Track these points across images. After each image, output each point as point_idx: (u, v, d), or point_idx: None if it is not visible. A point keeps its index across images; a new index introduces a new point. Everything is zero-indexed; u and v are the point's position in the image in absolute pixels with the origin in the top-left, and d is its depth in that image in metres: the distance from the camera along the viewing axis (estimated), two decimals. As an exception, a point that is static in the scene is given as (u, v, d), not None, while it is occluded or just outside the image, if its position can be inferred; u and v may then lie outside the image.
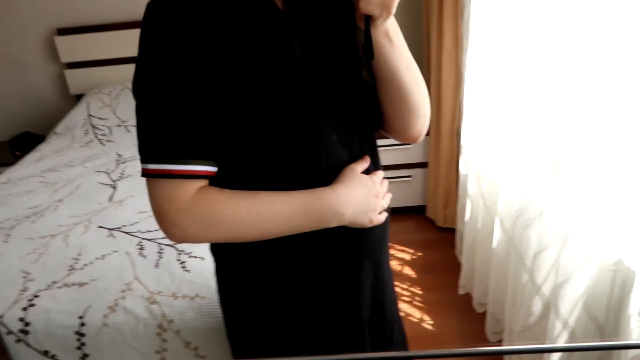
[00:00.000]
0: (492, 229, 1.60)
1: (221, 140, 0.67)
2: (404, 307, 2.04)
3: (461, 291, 1.99)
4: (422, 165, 2.51)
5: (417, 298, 2.09)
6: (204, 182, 0.68)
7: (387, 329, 0.91)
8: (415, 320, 1.97)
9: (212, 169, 0.68)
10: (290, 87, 0.67)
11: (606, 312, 1.08)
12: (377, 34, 0.68)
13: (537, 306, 1.27)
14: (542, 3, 1.18)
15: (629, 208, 0.97)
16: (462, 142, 1.95)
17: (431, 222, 2.59)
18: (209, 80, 0.64)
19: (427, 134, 2.44)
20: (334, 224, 0.73)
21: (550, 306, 1.20)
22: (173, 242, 1.39)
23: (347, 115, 0.74)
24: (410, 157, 2.48)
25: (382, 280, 0.86)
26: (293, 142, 0.69)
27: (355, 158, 0.76)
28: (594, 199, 1.01)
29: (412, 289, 2.15)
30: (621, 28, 0.90)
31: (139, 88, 0.66)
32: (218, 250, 0.82)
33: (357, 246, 0.79)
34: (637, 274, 0.94)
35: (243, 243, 0.73)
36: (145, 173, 0.67)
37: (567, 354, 1.15)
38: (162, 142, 0.65)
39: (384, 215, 0.79)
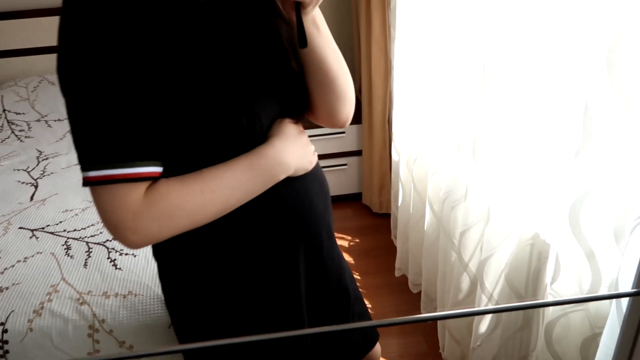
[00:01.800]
0: (423, 212, 1.67)
1: (160, 137, 0.65)
2: (343, 292, 2.08)
3: (397, 274, 2.06)
4: (357, 153, 2.56)
5: (356, 283, 2.14)
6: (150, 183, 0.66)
7: (352, 301, 0.97)
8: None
9: (159, 169, 0.66)
10: (220, 76, 0.67)
11: (526, 283, 1.17)
12: (306, 21, 0.70)
13: (465, 282, 1.35)
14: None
15: (542, 186, 1.05)
16: (393, 130, 2.01)
17: (367, 208, 2.65)
18: (140, 74, 0.61)
19: (360, 123, 2.51)
20: (283, 176, 0.74)
21: (476, 281, 1.27)
22: (104, 240, 1.34)
23: (278, 103, 0.75)
24: (344, 145, 2.53)
25: (333, 256, 0.90)
26: (227, 130, 0.69)
27: None
28: (511, 178, 1.08)
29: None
30: (531, 23, 0.96)
31: (66, 86, 0.62)
32: (160, 251, 0.81)
33: (297, 224, 0.80)
34: (551, 246, 1.02)
35: (183, 239, 0.71)
36: (87, 181, 0.62)
37: (494, 326, 1.23)
38: (101, 145, 0.61)
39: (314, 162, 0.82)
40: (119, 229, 0.64)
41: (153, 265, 1.22)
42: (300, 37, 0.70)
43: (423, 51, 1.60)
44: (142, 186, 0.64)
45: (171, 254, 0.80)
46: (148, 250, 1.27)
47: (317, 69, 0.75)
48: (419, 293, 1.85)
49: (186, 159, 0.69)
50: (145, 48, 0.61)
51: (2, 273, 1.22)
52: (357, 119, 2.46)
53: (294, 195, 0.78)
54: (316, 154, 0.84)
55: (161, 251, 0.81)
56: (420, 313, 1.84)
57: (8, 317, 1.09)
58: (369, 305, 2.00)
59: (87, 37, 0.59)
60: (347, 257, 2.29)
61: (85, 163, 0.62)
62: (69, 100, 0.62)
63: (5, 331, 1.07)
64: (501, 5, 1.02)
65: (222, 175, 0.69)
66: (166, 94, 0.64)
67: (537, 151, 1.03)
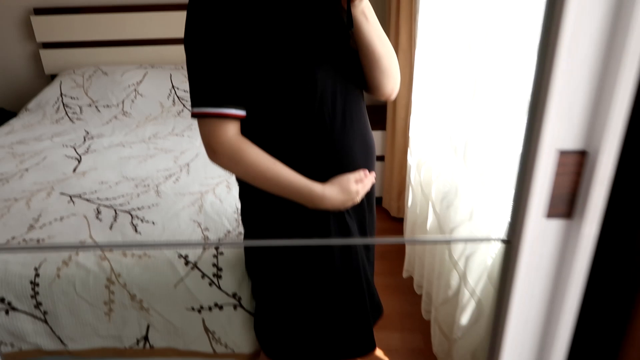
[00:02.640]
0: (427, 214, 1.75)
1: (247, 89, 0.91)
2: (351, 288, 2.18)
3: (405, 275, 2.14)
4: (380, 158, 2.65)
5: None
6: (236, 122, 0.93)
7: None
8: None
9: (242, 112, 0.93)
10: (295, 48, 0.91)
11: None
12: (356, 12, 0.91)
13: (454, 279, 1.42)
14: (462, 15, 1.33)
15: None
16: (409, 136, 2.10)
17: (386, 212, 2.74)
18: (242, 44, 0.87)
19: (384, 129, 2.60)
20: (317, 207, 0.99)
21: (462, 278, 1.34)
22: (129, 209, 1.50)
23: (340, 73, 0.97)
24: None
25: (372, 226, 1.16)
26: (295, 91, 0.93)
27: (350, 104, 0.99)
28: (494, 181, 1.16)
29: (361, 272, 2.29)
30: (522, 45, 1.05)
31: (189, 47, 0.89)
32: (243, 196, 1.08)
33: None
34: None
35: (259, 192, 0.98)
36: (193, 115, 0.92)
37: (475, 319, 1.30)
38: (205, 92, 0.90)
39: (360, 197, 1.03)
40: (207, 148, 0.94)
41: (169, 233, 1.38)
42: (348, 21, 0.91)
43: (435, 62, 1.70)
44: (229, 124, 0.92)
45: (249, 201, 1.07)
46: (166, 220, 1.42)
47: (365, 50, 0.96)
48: (422, 294, 1.92)
49: (263, 111, 0.94)
50: (246, 26, 0.86)
51: (41, 228, 1.40)
52: (381, 125, 2.57)
53: (339, 155, 1.00)
54: (372, 178, 1.05)
55: (243, 196, 1.08)
56: (421, 312, 1.91)
57: (41, 263, 1.27)
58: (374, 302, 2.09)
59: (208, 14, 0.86)
60: (360, 257, 2.39)
61: (194, 102, 0.91)
62: (189, 57, 0.89)
63: (37, 275, 1.25)
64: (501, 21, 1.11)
65: (282, 174, 0.95)
66: (255, 60, 0.89)
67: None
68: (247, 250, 1.18)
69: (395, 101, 2.35)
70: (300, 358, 1.14)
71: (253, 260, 1.15)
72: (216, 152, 0.93)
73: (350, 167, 1.01)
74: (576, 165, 0.48)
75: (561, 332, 0.56)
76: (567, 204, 0.51)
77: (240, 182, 1.07)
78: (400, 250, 2.38)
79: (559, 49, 0.46)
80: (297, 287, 1.06)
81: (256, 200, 1.04)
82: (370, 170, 1.06)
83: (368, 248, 1.18)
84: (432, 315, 1.71)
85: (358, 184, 1.01)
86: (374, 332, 1.20)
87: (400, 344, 1.86)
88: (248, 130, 0.96)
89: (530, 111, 0.49)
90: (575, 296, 0.55)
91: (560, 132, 0.48)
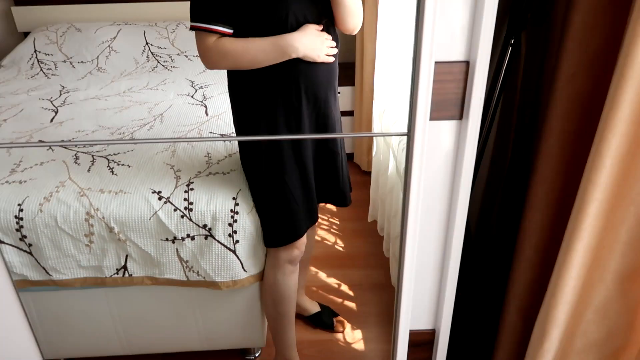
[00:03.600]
0: (389, 160, 1.88)
1: (234, 17, 1.17)
2: (321, 233, 2.33)
3: (369, 219, 2.29)
4: (349, 113, 2.76)
5: (334, 227, 2.38)
6: (223, 37, 1.18)
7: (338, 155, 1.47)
8: (330, 243, 2.26)
9: (228, 30, 1.18)
10: None
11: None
12: None
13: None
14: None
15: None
16: (374, 89, 2.21)
17: (358, 167, 2.87)
18: None
19: (353, 85, 2.70)
20: (293, 55, 1.19)
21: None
22: (106, 154, 1.60)
23: (310, 8, 1.19)
24: (340, 105, 2.73)
25: (331, 117, 1.37)
26: (271, 21, 1.17)
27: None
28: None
29: (331, 219, 2.44)
30: None
31: None
32: (231, 89, 1.34)
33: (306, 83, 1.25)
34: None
35: (238, 84, 1.28)
36: (191, 27, 1.18)
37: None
38: (200, 10, 1.15)
39: (331, 58, 1.25)
40: (200, 54, 1.20)
41: (143, 174, 1.48)
42: None
43: (395, 15, 1.80)
44: (216, 35, 1.18)
45: (235, 93, 1.32)
46: (141, 163, 1.53)
47: None
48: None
49: (244, 33, 1.18)
50: None
51: (23, 172, 1.49)
52: (350, 80, 2.67)
53: (300, 69, 1.23)
54: (335, 50, 1.26)
55: (231, 89, 1.33)
56: (383, 253, 2.07)
57: (24, 200, 1.37)
58: (342, 245, 2.25)
59: None
60: (330, 206, 2.53)
61: (193, 18, 1.17)
62: None
63: (21, 210, 1.35)
64: None
65: (256, 43, 1.18)
66: None
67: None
68: (240, 145, 1.44)
69: (362, 57, 2.45)
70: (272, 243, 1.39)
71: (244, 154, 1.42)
72: (207, 55, 1.19)
73: (306, 82, 1.25)
74: (462, 74, 0.60)
75: (458, 210, 0.69)
76: (457, 107, 0.63)
77: (229, 78, 1.31)
78: (367, 198, 2.52)
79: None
80: (265, 175, 1.34)
81: (239, 94, 1.31)
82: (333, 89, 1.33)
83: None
84: (390, 251, 1.87)
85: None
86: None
87: (365, 279, 2.02)
88: None
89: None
90: (467, 179, 0.68)
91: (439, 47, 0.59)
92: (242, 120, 1.35)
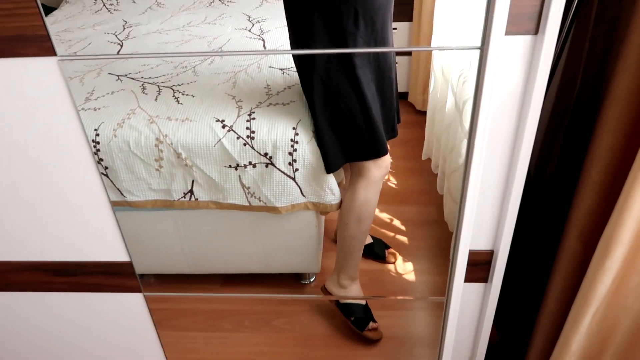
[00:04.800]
0: (447, 96, 1.85)
1: None
2: (374, 171, 2.36)
3: (423, 157, 2.28)
4: (406, 53, 2.70)
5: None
6: None
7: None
8: (383, 180, 2.29)
9: None
10: None
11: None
12: None
13: (464, 147, 1.55)
14: None
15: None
16: (434, 26, 2.14)
17: (412, 106, 2.83)
18: None
19: (411, 20, 2.62)
20: None
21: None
22: (171, 85, 1.66)
23: None
24: (395, 43, 2.67)
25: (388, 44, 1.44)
26: None
27: None
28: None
29: (384, 158, 2.46)
30: None
31: None
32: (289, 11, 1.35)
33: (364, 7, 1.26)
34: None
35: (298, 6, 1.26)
36: None
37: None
38: None
39: None
40: None
41: (206, 104, 1.54)
42: None
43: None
44: None
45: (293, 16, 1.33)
46: (204, 94, 1.58)
47: None
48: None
49: None
50: None
51: (96, 100, 1.58)
52: (408, 16, 2.58)
53: None
54: None
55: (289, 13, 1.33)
56: (436, 190, 2.08)
57: (100, 125, 1.46)
58: (395, 182, 2.27)
59: None
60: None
61: None
62: None
63: (97, 134, 1.45)
64: None
65: None
66: None
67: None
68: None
69: (422, -10, 2.36)
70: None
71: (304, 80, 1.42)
72: None
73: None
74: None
75: (527, 128, 0.70)
76: (534, 21, 0.62)
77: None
78: (421, 137, 2.51)
79: None
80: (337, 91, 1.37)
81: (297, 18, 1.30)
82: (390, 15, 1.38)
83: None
84: (445, 187, 1.87)
85: None
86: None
87: (417, 216, 2.06)
88: None
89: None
90: (539, 98, 0.67)
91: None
92: (301, 41, 1.35)
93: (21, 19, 1.10)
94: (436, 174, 2.17)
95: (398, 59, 2.75)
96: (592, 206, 1.10)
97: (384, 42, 1.34)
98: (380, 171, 1.51)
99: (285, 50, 1.68)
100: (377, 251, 1.87)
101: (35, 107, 1.25)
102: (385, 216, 2.09)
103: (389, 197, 2.27)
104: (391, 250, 1.88)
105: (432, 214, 2.04)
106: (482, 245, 1.21)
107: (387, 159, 1.51)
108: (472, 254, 1.22)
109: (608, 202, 1.02)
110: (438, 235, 1.93)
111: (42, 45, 1.12)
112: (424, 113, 2.78)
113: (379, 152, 1.48)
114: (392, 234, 1.99)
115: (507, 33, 0.65)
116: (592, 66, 1.19)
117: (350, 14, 1.24)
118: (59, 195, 1.35)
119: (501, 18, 0.58)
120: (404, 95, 2.92)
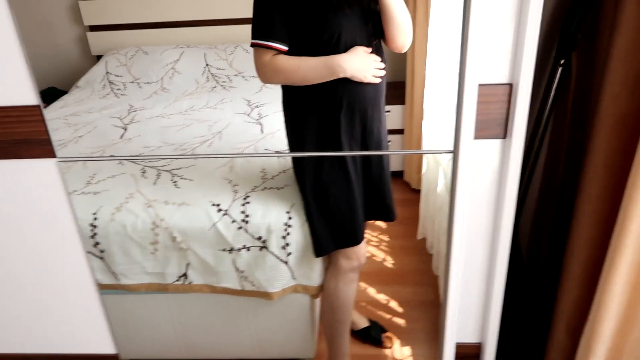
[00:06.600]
0: (438, 177, 1.90)
1: (289, 32, 1.24)
2: (371, 249, 2.36)
3: (419, 237, 2.30)
4: (399, 132, 2.80)
5: (384, 243, 2.41)
6: (279, 54, 1.26)
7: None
8: (379, 260, 2.29)
9: (284, 47, 1.26)
10: (327, 6, 1.20)
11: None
12: None
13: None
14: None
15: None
16: (424, 108, 2.24)
17: (407, 185, 2.89)
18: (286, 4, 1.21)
19: (403, 104, 2.74)
20: (340, 75, 1.26)
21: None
22: (170, 169, 1.72)
23: (360, 30, 1.26)
24: (389, 124, 2.77)
25: (375, 134, 1.48)
26: (324, 41, 1.24)
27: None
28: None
29: (380, 236, 2.47)
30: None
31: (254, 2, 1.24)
32: (284, 101, 1.42)
33: (352, 101, 1.33)
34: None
35: (291, 97, 1.36)
36: (252, 45, 1.27)
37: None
38: (260, 29, 1.25)
39: (378, 79, 1.32)
40: (257, 70, 1.30)
41: (205, 188, 1.58)
42: None
43: (446, 35, 1.83)
44: (273, 52, 1.26)
45: (286, 105, 1.41)
46: (201, 178, 1.63)
47: (386, 10, 1.24)
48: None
49: (300, 53, 1.26)
50: None
51: (97, 184, 1.63)
52: (400, 99, 2.71)
53: (346, 88, 1.30)
54: (382, 72, 1.33)
55: (285, 105, 1.41)
56: (432, 270, 2.07)
57: (99, 209, 1.50)
58: (391, 262, 2.27)
59: None
60: (380, 223, 2.56)
61: (253, 35, 1.26)
62: (254, 6, 1.24)
63: (95, 218, 1.48)
64: None
65: (307, 61, 1.27)
66: (295, 16, 1.21)
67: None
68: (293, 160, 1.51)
69: (412, 76, 2.49)
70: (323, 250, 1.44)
71: (297, 167, 1.49)
72: (262, 71, 1.28)
73: (350, 98, 1.32)
74: (505, 95, 0.64)
75: (503, 226, 0.72)
76: (501, 127, 0.66)
77: (283, 94, 1.39)
78: (416, 216, 2.53)
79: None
80: (313, 188, 1.42)
81: (291, 110, 1.40)
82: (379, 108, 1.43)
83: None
84: (440, 269, 1.87)
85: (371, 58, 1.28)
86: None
87: (414, 297, 2.04)
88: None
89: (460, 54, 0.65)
90: (512, 195, 0.71)
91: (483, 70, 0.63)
92: (293, 134, 1.44)
93: (27, 125, 1.25)
94: (431, 254, 2.18)
95: (391, 137, 2.84)
96: (577, 298, 1.10)
97: (371, 132, 1.40)
98: (350, 263, 1.47)
99: (274, 154, 1.75)
100: (373, 335, 1.84)
101: (33, 201, 1.35)
102: (382, 297, 2.07)
103: (385, 276, 2.26)
104: (388, 334, 1.85)
105: (429, 295, 2.02)
106: (469, 337, 1.18)
107: (358, 251, 1.47)
108: (460, 347, 1.19)
109: (591, 296, 1.02)
110: (435, 318, 1.90)
111: (44, 149, 1.28)
112: (419, 191, 2.83)
113: (348, 243, 1.44)
114: (388, 316, 1.96)
115: (477, 137, 0.70)
116: (573, 158, 1.24)
117: (339, 106, 1.32)
118: (47, 284, 1.36)
119: (469, 124, 0.63)
120: (399, 174, 2.99)
